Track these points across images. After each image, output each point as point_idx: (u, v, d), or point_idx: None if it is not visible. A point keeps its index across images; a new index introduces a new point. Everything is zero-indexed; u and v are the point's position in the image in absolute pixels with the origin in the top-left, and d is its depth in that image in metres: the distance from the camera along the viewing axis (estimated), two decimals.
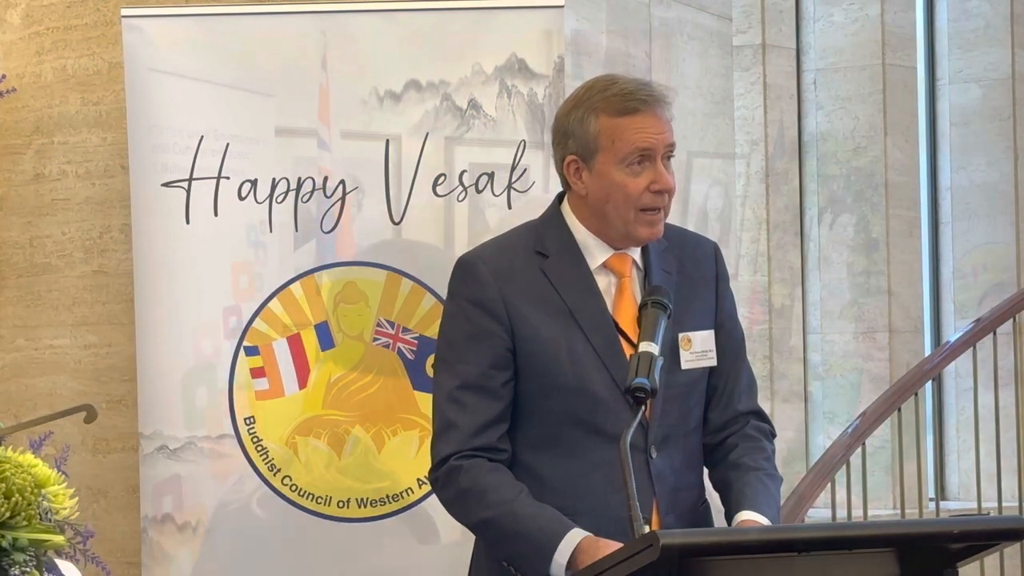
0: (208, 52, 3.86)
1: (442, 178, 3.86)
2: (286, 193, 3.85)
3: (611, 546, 2.61)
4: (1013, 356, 6.34)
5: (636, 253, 2.93)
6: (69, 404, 4.08)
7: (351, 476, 3.82)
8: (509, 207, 3.84)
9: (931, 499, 6.61)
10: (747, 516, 2.83)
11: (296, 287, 3.84)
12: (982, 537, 2.60)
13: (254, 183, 3.84)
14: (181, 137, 3.83)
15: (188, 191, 3.84)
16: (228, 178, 3.84)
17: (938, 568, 2.58)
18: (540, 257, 2.90)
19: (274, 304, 3.83)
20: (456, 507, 2.87)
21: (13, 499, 2.29)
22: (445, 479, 2.85)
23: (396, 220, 3.85)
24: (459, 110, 3.86)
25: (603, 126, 2.84)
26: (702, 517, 2.96)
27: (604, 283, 2.90)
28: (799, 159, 6.91)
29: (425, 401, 3.68)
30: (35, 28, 4.39)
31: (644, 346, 2.75)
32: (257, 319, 3.82)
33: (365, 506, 3.82)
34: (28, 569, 2.29)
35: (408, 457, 3.80)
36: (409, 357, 3.83)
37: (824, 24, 6.97)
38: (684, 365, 2.91)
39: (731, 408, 2.98)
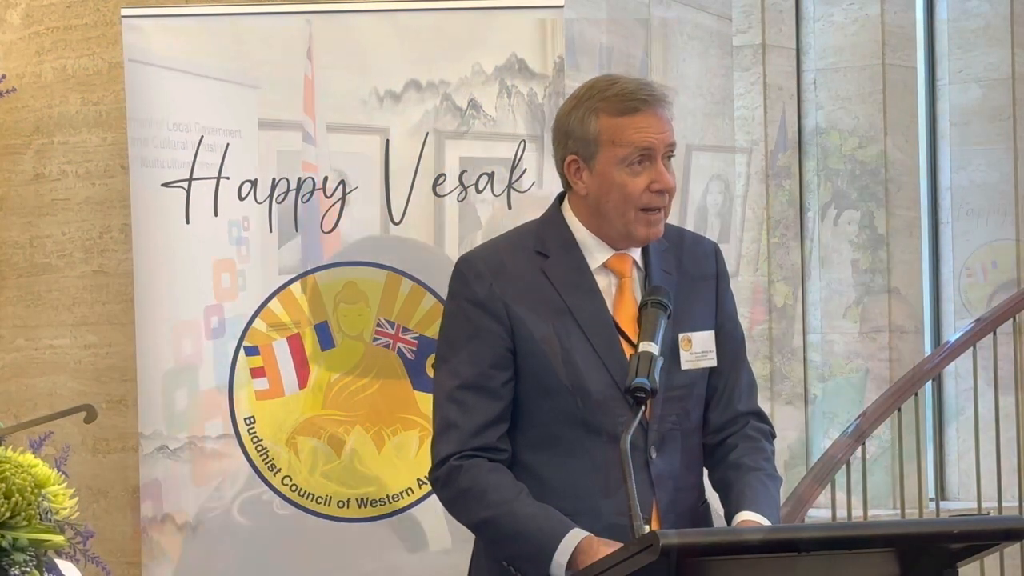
0: (208, 52, 3.86)
1: (442, 178, 3.86)
2: (286, 193, 3.85)
3: (611, 546, 2.60)
4: (1013, 356, 6.33)
5: (636, 253, 2.92)
6: (69, 404, 4.08)
7: (348, 478, 3.82)
8: (509, 207, 3.84)
9: (931, 499, 6.60)
10: (747, 516, 2.83)
11: (296, 287, 3.84)
12: (982, 537, 2.60)
13: (254, 183, 3.84)
14: (181, 137, 3.83)
15: (188, 191, 3.84)
16: (228, 178, 3.84)
17: (938, 568, 2.58)
18: (540, 257, 2.89)
19: (274, 304, 3.83)
20: (456, 507, 2.87)
21: (13, 499, 2.29)
22: (445, 479, 2.85)
23: (396, 220, 3.85)
24: (459, 110, 3.86)
25: (603, 126, 2.83)
26: (702, 517, 2.95)
27: (604, 283, 2.90)
28: (799, 159, 6.90)
29: (425, 401, 3.68)
30: (35, 28, 4.39)
31: (644, 346, 2.75)
32: (257, 319, 3.83)
33: (365, 506, 3.82)
34: (28, 569, 2.28)
35: (408, 457, 3.80)
36: (409, 357, 3.82)
37: (824, 24, 6.97)
38: (684, 365, 2.90)
39: (731, 409, 2.97)
